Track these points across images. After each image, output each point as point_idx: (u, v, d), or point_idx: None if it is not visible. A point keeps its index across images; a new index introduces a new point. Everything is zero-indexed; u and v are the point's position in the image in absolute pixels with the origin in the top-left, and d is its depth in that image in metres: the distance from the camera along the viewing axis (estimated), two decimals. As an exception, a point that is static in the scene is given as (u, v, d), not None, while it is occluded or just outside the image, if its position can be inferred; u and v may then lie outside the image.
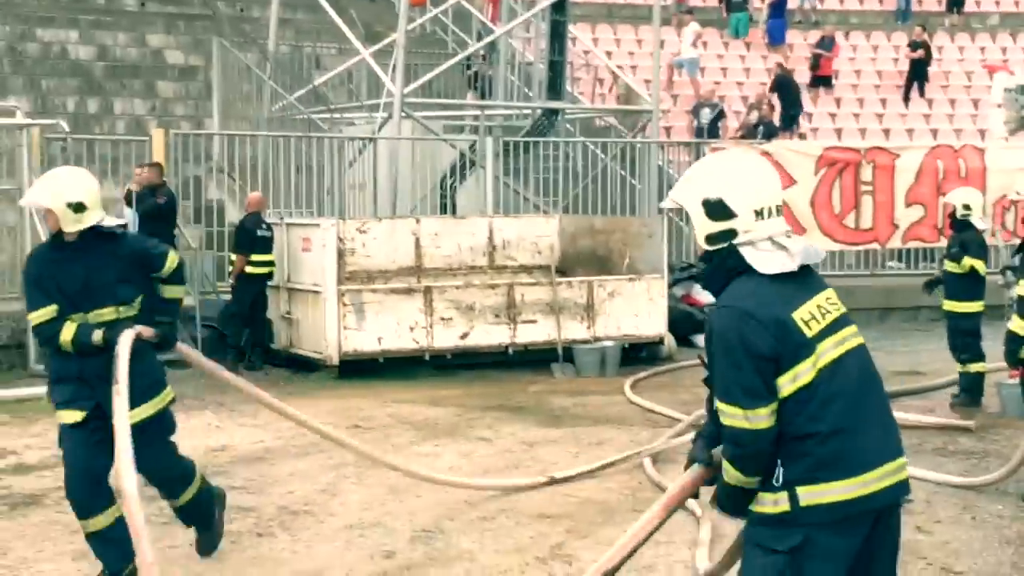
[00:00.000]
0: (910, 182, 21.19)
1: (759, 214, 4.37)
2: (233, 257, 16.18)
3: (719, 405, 4.35)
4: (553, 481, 9.33)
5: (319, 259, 15.53)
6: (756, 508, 4.36)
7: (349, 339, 15.17)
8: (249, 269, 15.89)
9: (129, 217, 16.94)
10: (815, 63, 27.35)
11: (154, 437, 7.17)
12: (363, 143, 19.34)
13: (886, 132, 25.87)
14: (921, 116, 27.00)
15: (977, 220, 13.06)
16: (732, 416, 4.27)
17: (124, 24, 24.68)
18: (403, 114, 19.12)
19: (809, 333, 4.28)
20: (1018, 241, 13.23)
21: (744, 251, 4.37)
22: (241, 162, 18.75)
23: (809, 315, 4.32)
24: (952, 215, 13.24)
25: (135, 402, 6.83)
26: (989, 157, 21.56)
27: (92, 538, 7.08)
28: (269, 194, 17.63)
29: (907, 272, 21.72)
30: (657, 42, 22.66)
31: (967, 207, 12.89)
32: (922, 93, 27.49)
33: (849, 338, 4.38)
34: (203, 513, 7.58)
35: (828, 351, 4.30)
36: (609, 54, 26.47)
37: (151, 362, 7.24)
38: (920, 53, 27.43)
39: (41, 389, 13.84)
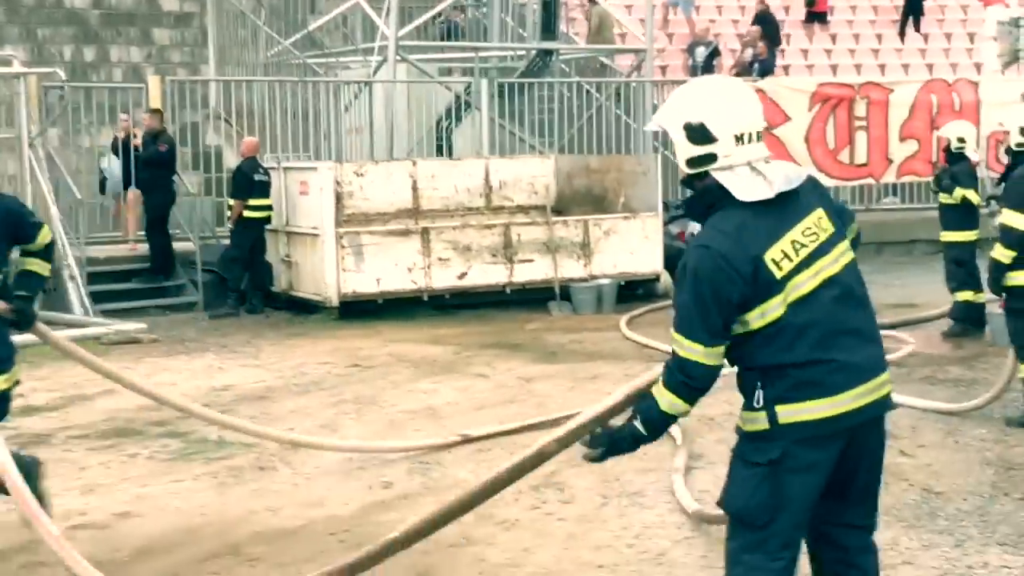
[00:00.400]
0: (904, 117, 21.24)
1: (739, 139, 4.42)
2: (231, 202, 16.35)
3: (675, 336, 4.45)
4: (467, 440, 9.01)
5: (317, 202, 15.65)
6: (741, 426, 4.51)
7: (348, 281, 15.35)
8: (247, 213, 16.05)
9: (115, 164, 17.16)
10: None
11: None
12: (359, 87, 19.44)
13: (881, 67, 25.84)
14: (917, 51, 26.95)
15: (971, 153, 13.24)
16: (690, 350, 4.39)
17: (119, -29, 24.69)
18: (398, 57, 19.17)
19: (779, 274, 4.37)
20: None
21: (722, 177, 4.41)
22: (238, 108, 18.88)
23: (782, 254, 4.38)
24: (947, 148, 13.38)
25: None
26: (983, 90, 21.62)
27: None
28: (266, 139, 17.76)
29: (902, 207, 21.86)
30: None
31: (961, 140, 13.07)
32: (917, 28, 27.39)
33: (829, 265, 4.44)
34: None
35: (801, 286, 4.39)
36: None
37: (3, 338, 6.58)
38: (916, -14, 27.39)
39: (26, 336, 14.15)
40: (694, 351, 4.38)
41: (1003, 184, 10.62)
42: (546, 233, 16.30)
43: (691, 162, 4.48)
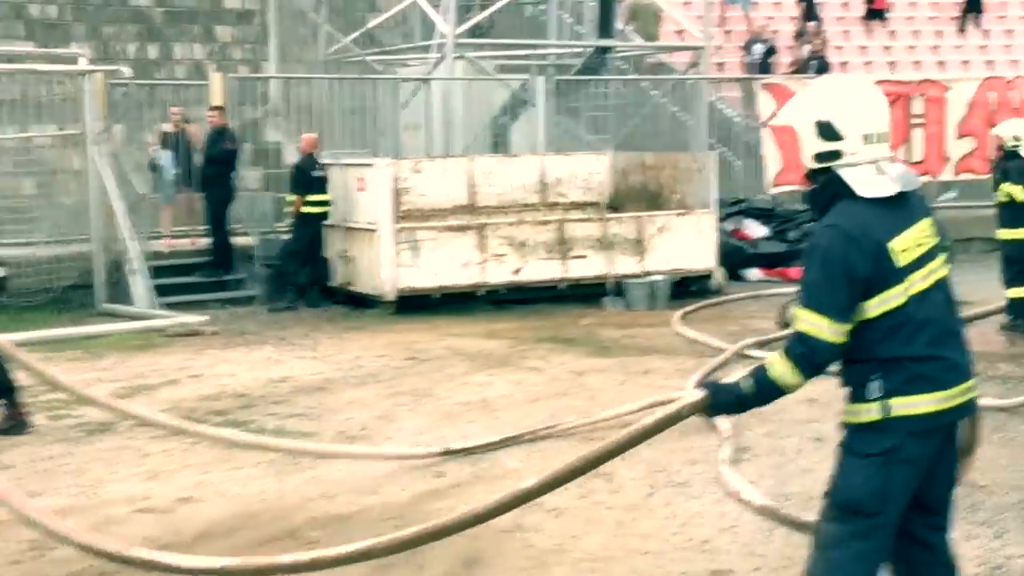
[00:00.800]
0: (962, 114, 21.24)
1: (867, 138, 4.60)
2: (290, 198, 16.50)
3: (802, 312, 4.56)
4: (447, 452, 8.74)
5: (375, 198, 15.80)
6: (850, 419, 4.63)
7: (405, 276, 15.52)
8: (306, 209, 16.20)
9: (167, 159, 17.34)
10: (870, -5, 27.27)
11: None
12: (417, 84, 19.51)
13: (941, 64, 25.72)
14: (976, 48, 26.81)
15: None
16: (816, 325, 4.50)
17: (182, -31, 24.93)
18: (456, 55, 19.30)
19: (901, 263, 4.53)
20: None
21: (845, 173, 4.59)
22: (297, 105, 19.01)
23: (905, 246, 4.56)
24: (1001, 147, 13.35)
25: None
26: (1043, 88, 21.58)
27: None
28: (325, 136, 17.88)
29: (959, 204, 21.75)
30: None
31: (1017, 138, 12.97)
32: (978, 24, 27.30)
33: (937, 269, 4.63)
34: None
35: (917, 282, 4.56)
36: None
37: None
38: (977, -18, 27.26)
39: (108, 326, 14.45)
40: (820, 326, 4.49)
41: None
42: (600, 229, 16.40)
43: (818, 157, 4.66)
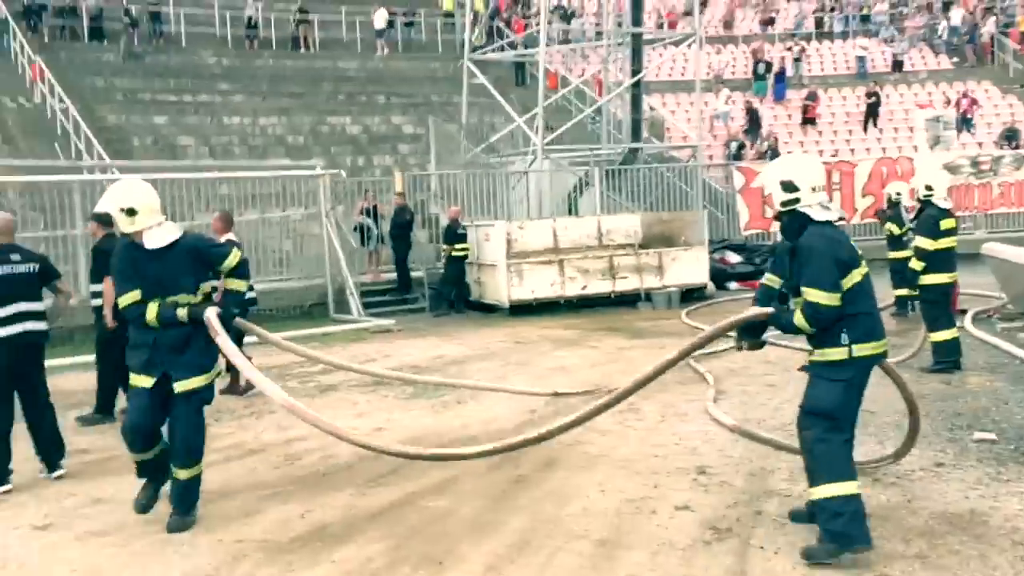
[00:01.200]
0: (864, 181, 20.81)
1: (814, 189, 4.65)
2: (445, 247, 16.61)
3: (812, 292, 4.52)
4: (556, 394, 8.31)
5: (495, 245, 15.87)
6: (820, 358, 4.63)
7: (514, 291, 15.54)
8: (454, 253, 16.31)
9: (369, 224, 17.45)
10: (805, 109, 26.80)
11: (193, 406, 5.40)
12: (520, 175, 19.59)
13: (852, 151, 25.24)
14: (875, 139, 26.26)
15: (907, 202, 12.77)
16: (822, 297, 4.50)
17: (378, 111, 25.14)
18: (544, 156, 19.38)
19: (856, 256, 4.62)
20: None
21: (805, 210, 4.63)
22: (447, 190, 19.17)
23: (854, 246, 4.67)
24: (890, 200, 13.01)
25: (190, 373, 5.33)
26: (917, 163, 21.03)
27: (138, 463, 5.62)
28: (464, 208, 17.98)
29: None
30: (700, 102, 22.59)
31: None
32: (875, 125, 26.73)
33: (864, 267, 4.69)
34: (190, 498, 5.54)
35: (863, 268, 4.64)
36: (673, 112, 26.34)
37: (205, 347, 5.43)
38: (873, 99, 26.66)
39: (335, 328, 14.60)
40: (820, 296, 4.50)
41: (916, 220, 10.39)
42: (636, 260, 16.28)
43: (784, 203, 4.70)
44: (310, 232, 17.16)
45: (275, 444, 7.38)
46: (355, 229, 17.48)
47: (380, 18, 28.05)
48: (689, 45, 23.93)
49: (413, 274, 17.22)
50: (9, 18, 22.90)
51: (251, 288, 9.06)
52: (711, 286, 17.07)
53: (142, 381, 5.36)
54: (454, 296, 16.44)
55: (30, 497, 6.26)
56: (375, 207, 17.62)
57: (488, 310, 16.03)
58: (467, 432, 7.61)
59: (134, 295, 5.33)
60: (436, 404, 8.78)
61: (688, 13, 27.57)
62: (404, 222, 17.02)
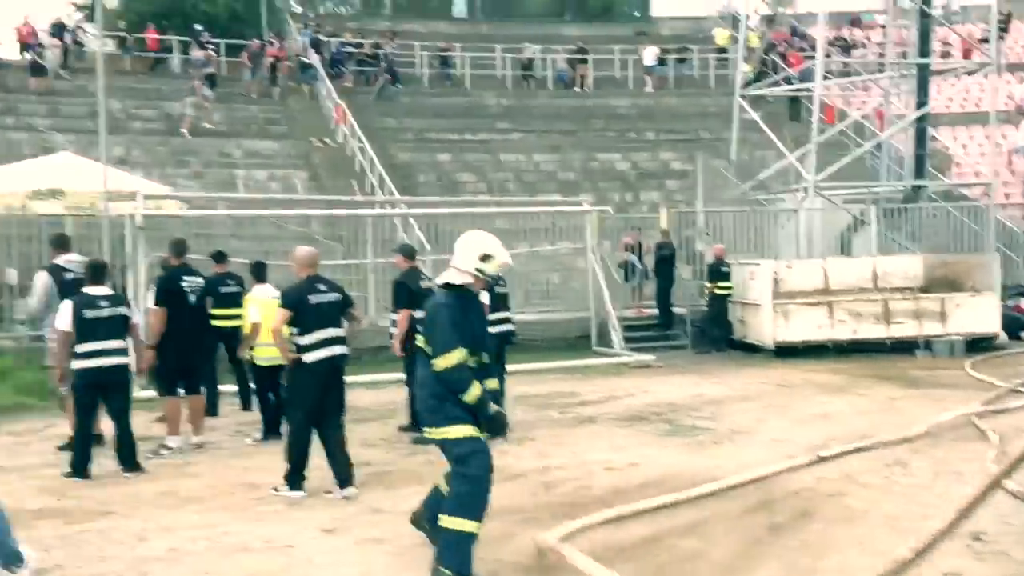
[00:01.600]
0: None
1: None
2: (708, 284, 16.49)
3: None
4: (821, 459, 7.65)
5: (761, 285, 15.59)
6: None
7: (779, 332, 15.17)
8: (718, 291, 16.20)
9: (633, 260, 17.60)
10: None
11: None
12: (790, 212, 19.05)
13: None
14: None
15: None
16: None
17: (647, 147, 25.31)
18: (816, 193, 18.76)
19: None
20: None
21: None
22: (713, 227, 18.98)
23: None
24: None
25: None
26: None
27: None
28: (729, 246, 17.63)
29: None
30: (996, 135, 20.91)
31: None
32: None
33: None
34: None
35: None
36: (964, 147, 24.52)
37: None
38: None
39: (597, 360, 14.86)
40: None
41: None
42: (914, 304, 15.35)
43: None
44: (576, 266, 17.48)
45: (534, 471, 7.70)
46: (620, 266, 17.70)
47: (650, 54, 28.38)
48: (986, 75, 22.22)
49: (675, 310, 17.19)
50: (318, 66, 25.50)
51: (509, 320, 9.55)
52: (1003, 336, 15.79)
53: (469, 431, 5.08)
54: (718, 334, 16.29)
55: (317, 501, 6.95)
56: (640, 244, 17.80)
57: (751, 350, 15.72)
58: (716, 475, 7.42)
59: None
60: (692, 443, 8.75)
61: (984, 40, 25.60)
62: (667, 258, 17.07)
